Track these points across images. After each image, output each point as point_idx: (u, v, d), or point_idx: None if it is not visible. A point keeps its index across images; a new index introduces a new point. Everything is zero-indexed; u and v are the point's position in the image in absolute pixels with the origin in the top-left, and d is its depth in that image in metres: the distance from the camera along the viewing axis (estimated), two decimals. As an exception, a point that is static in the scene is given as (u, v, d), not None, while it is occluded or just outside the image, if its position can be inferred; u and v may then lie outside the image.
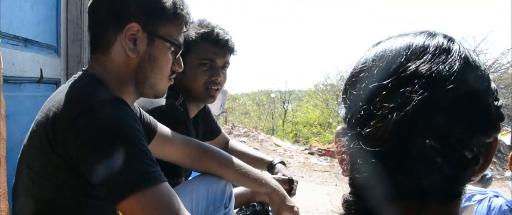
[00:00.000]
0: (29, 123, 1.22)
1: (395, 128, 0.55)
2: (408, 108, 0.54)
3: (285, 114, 23.64)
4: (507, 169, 10.19)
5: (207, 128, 2.17)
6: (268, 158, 2.17)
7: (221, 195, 1.67)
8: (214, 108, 10.32)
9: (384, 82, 0.58)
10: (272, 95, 25.13)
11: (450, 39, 0.62)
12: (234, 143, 2.31)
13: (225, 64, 1.91)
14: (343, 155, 0.65)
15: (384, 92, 0.57)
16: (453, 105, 0.55)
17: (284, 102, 24.35)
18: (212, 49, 1.84)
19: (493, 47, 19.20)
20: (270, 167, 2.10)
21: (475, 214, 4.05)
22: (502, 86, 11.23)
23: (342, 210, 0.65)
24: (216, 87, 1.88)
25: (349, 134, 0.62)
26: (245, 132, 13.02)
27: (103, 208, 1.21)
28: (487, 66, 11.43)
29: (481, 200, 4.10)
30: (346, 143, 0.63)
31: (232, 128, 13.47)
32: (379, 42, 0.67)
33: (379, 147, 0.56)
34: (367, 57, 0.65)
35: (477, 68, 0.60)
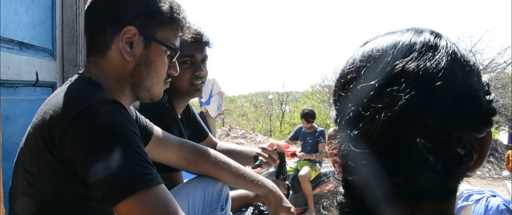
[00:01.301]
0: (25, 126, 1.22)
1: (384, 129, 0.54)
2: (395, 108, 0.54)
3: (282, 115, 23.63)
4: (504, 169, 10.22)
5: (194, 131, 2.19)
6: (252, 150, 2.17)
7: (218, 197, 1.67)
8: (211, 110, 10.31)
9: (372, 83, 0.57)
10: (270, 96, 25.15)
11: (437, 35, 0.61)
12: (221, 144, 2.31)
13: (204, 59, 1.97)
14: (336, 157, 0.65)
15: (371, 93, 0.57)
16: (442, 103, 0.54)
17: (281, 104, 24.35)
18: (190, 45, 1.89)
19: (490, 47, 19.27)
20: (256, 158, 2.10)
21: (473, 213, 4.06)
22: (499, 86, 11.25)
23: (336, 212, 0.65)
24: (200, 81, 1.94)
25: (340, 136, 0.62)
26: (243, 133, 13.02)
27: (102, 210, 1.21)
28: (484, 66, 11.48)
29: (479, 199, 4.12)
30: (338, 144, 0.63)
31: (229, 130, 13.47)
32: (367, 42, 0.67)
33: (369, 148, 0.56)
34: (355, 57, 0.64)
35: (465, 63, 0.59)
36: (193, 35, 1.88)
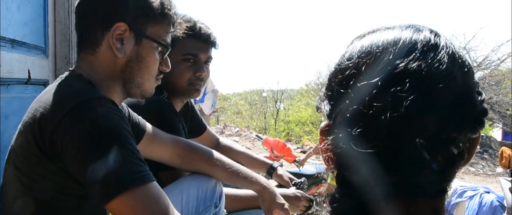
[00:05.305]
0: (17, 124, 1.21)
1: (388, 128, 0.54)
2: (400, 108, 0.53)
3: (277, 113, 23.64)
4: (498, 165, 10.27)
5: (192, 124, 2.16)
6: (268, 161, 2.18)
7: (212, 194, 1.66)
8: (205, 107, 10.30)
9: (373, 81, 0.56)
10: (264, 94, 25.15)
11: (437, 34, 0.61)
12: (227, 142, 2.30)
13: (208, 59, 1.89)
14: (329, 153, 0.64)
15: (374, 91, 0.56)
16: (443, 104, 0.55)
17: (276, 102, 24.36)
18: (196, 44, 1.82)
19: (484, 44, 19.40)
20: (271, 169, 2.12)
21: (467, 210, 4.09)
22: (493, 83, 11.30)
23: (330, 208, 0.64)
24: (200, 82, 1.87)
25: (338, 134, 0.60)
26: (237, 131, 13.02)
27: (99, 208, 1.20)
28: (478, 63, 11.54)
29: (473, 196, 4.14)
30: (333, 142, 0.62)
31: (224, 128, 13.47)
32: (363, 36, 0.66)
33: (372, 148, 0.55)
34: (352, 52, 0.63)
35: (463, 63, 0.60)
36: (200, 34, 1.82)
